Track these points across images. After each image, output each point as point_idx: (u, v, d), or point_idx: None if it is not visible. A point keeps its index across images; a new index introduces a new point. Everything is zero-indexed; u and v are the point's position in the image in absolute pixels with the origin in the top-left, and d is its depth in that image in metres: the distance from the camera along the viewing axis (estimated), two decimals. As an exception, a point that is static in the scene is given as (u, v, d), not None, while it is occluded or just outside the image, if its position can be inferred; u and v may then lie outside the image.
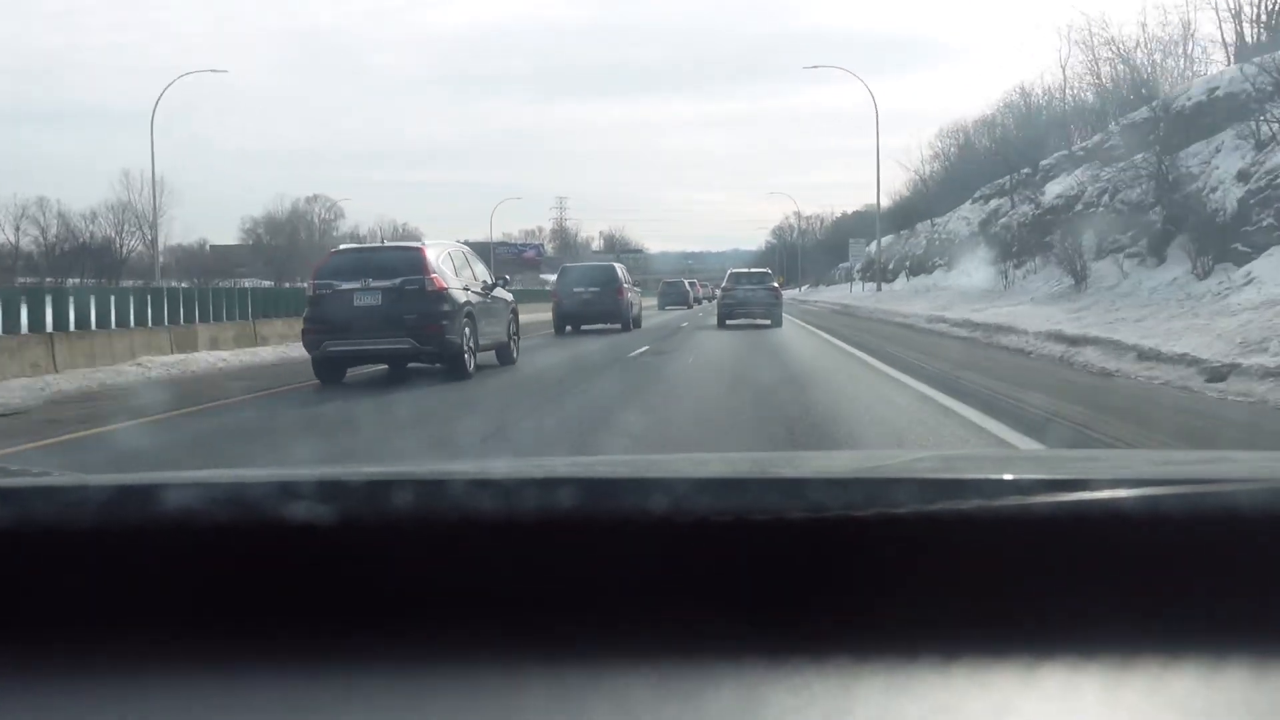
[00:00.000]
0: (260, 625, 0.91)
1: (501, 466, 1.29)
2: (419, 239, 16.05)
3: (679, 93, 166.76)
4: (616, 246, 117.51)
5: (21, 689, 0.85)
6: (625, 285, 24.78)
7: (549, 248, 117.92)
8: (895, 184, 75.59)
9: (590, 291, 23.93)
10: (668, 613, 0.89)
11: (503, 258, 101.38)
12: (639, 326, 25.48)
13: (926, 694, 0.80)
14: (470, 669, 0.85)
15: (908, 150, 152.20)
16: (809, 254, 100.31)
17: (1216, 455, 2.39)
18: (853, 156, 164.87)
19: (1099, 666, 0.82)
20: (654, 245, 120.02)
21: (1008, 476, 1.03)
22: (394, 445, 7.71)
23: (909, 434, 7.59)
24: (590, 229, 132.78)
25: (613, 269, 25.89)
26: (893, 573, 0.91)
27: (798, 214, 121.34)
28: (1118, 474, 1.18)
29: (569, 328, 23.69)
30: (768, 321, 25.53)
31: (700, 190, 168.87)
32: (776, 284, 27.50)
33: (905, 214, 60.19)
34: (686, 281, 53.60)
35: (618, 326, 23.90)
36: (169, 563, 0.94)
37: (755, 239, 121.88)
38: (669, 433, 7.98)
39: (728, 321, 25.99)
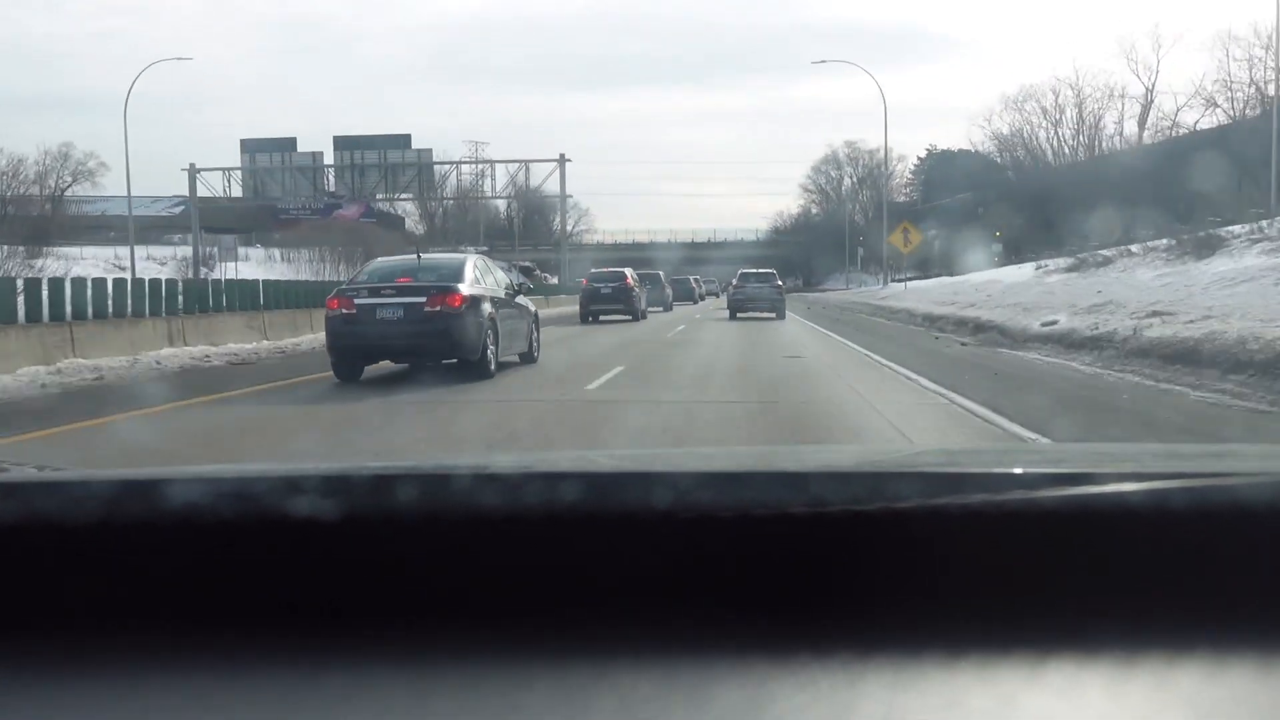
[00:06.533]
0: (264, 621, 0.91)
1: (505, 461, 1.29)
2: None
3: (678, 85, 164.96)
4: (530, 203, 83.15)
5: (24, 686, 0.85)
6: (666, 282, 43.76)
7: (407, 207, 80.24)
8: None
9: (648, 286, 40.14)
10: (672, 608, 0.89)
11: (293, 219, 69.00)
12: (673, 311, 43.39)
13: (931, 690, 0.80)
14: (474, 665, 0.85)
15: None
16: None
17: (1223, 449, 2.38)
18: (854, 154, 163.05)
19: (1104, 662, 0.81)
20: (658, 237, 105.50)
21: (1012, 470, 1.03)
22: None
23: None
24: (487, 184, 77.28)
25: (659, 275, 42.78)
26: (897, 567, 0.90)
27: (850, 144, 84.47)
28: (1123, 468, 1.18)
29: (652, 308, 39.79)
30: (773, 315, 30.20)
31: (702, 183, 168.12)
32: (780, 282, 33.03)
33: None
34: (693, 279, 58.84)
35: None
36: (173, 558, 0.94)
37: (758, 230, 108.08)
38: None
39: (738, 315, 30.88)
